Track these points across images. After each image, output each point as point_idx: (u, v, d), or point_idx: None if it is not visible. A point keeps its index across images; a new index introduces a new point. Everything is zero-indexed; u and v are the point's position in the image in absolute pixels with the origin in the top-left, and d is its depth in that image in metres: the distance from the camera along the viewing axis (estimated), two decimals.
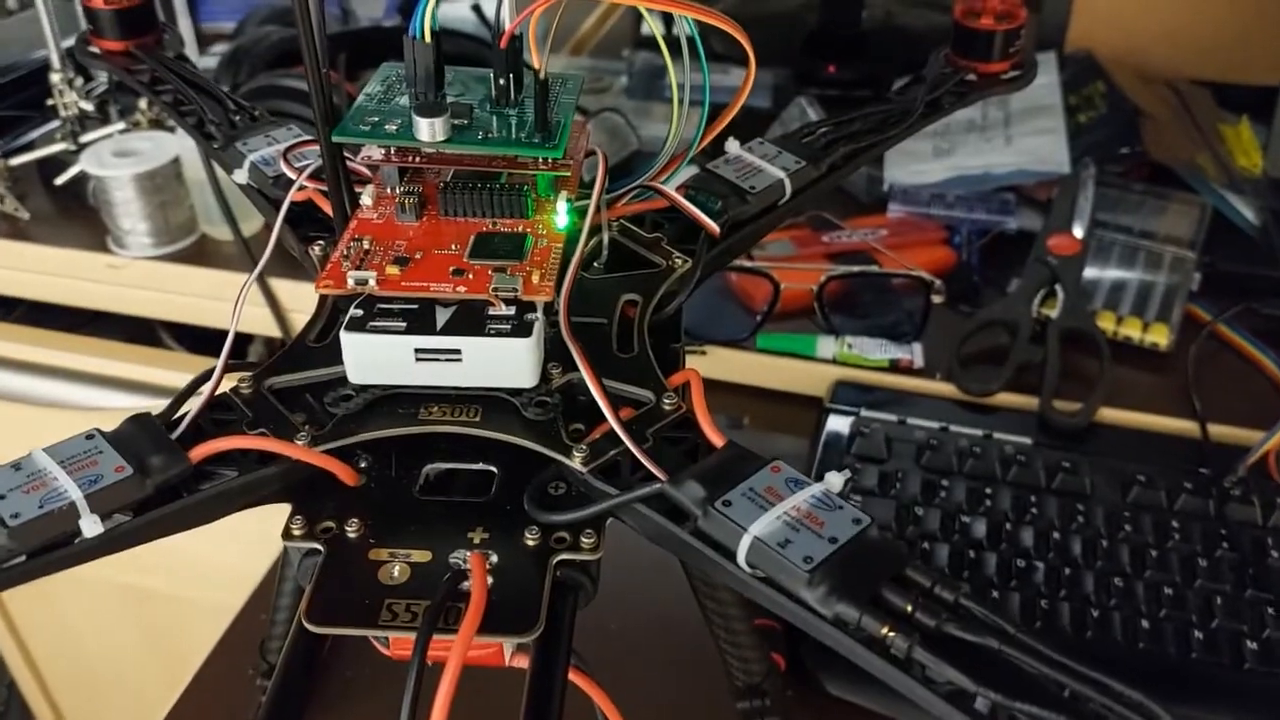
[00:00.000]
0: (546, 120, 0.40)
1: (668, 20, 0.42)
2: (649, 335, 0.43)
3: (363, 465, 0.39)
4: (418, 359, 0.37)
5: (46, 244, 0.92)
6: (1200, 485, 0.66)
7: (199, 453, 0.36)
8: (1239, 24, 1.04)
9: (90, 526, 0.33)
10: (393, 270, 0.38)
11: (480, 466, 0.40)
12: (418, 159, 0.42)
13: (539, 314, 0.38)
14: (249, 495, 0.37)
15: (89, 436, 0.35)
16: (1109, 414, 0.73)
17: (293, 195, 0.45)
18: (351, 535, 0.37)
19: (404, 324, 0.38)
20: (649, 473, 0.36)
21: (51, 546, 0.33)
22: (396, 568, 0.36)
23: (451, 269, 0.39)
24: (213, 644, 0.63)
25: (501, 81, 0.41)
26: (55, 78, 0.94)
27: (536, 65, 0.39)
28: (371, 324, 0.37)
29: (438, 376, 0.38)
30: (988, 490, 0.66)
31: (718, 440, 0.37)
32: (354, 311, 0.38)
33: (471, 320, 0.38)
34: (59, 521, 0.33)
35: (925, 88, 0.55)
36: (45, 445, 0.35)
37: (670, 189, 0.48)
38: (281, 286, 0.86)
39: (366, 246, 0.40)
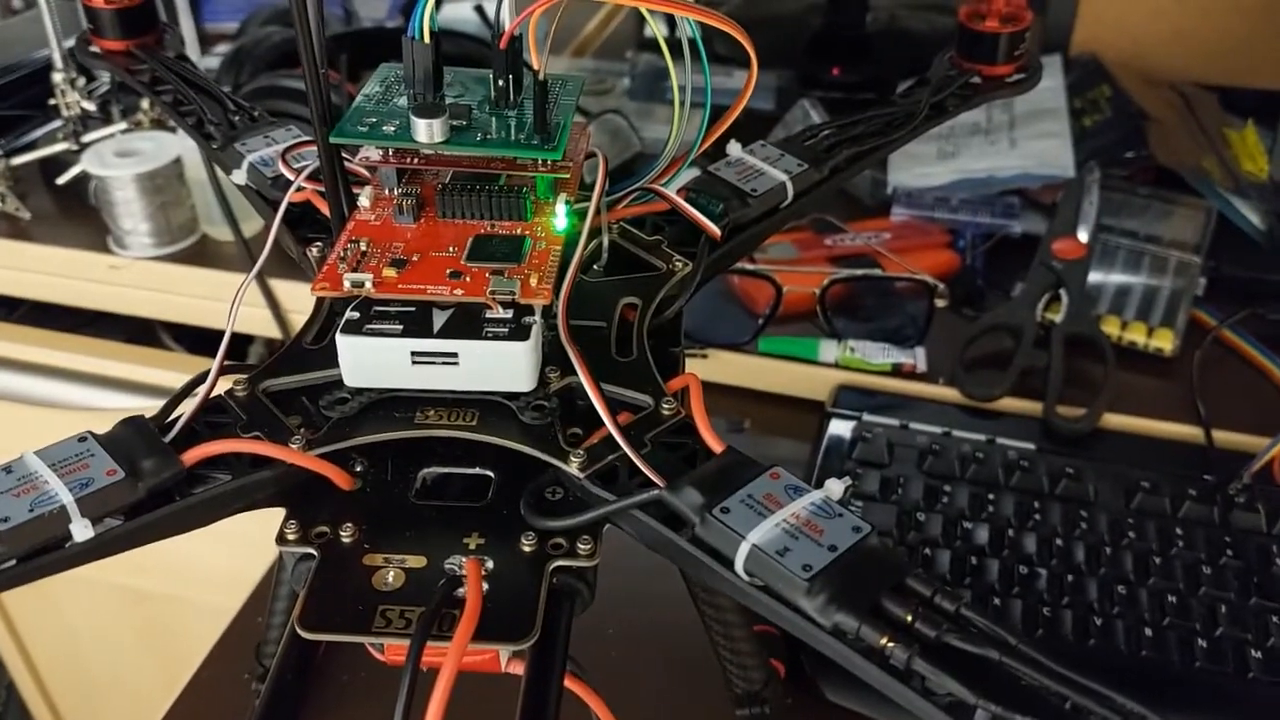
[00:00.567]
0: (546, 122, 0.40)
1: (670, 22, 0.42)
2: (649, 339, 0.43)
3: (358, 469, 0.39)
4: (414, 362, 0.37)
5: (48, 244, 0.92)
6: (1205, 492, 0.65)
7: (192, 456, 0.35)
8: (1245, 27, 1.03)
9: (81, 531, 0.33)
10: (389, 272, 0.38)
11: (477, 471, 0.39)
12: (416, 160, 0.42)
13: (537, 317, 0.38)
14: (242, 499, 0.36)
15: (81, 439, 0.35)
16: (1113, 420, 0.72)
17: (290, 196, 0.44)
18: (346, 540, 0.36)
19: (400, 327, 0.37)
20: (647, 478, 0.36)
21: (42, 551, 0.32)
22: (391, 573, 0.36)
23: (449, 271, 0.38)
24: (210, 646, 0.63)
25: (501, 82, 0.40)
26: (58, 77, 0.94)
27: (536, 66, 0.39)
28: (367, 327, 0.37)
29: (434, 380, 0.37)
30: (990, 496, 0.65)
31: (717, 446, 0.37)
32: (350, 314, 0.38)
33: (469, 323, 0.37)
34: (49, 525, 0.32)
35: (929, 90, 0.54)
36: (41, 447, 0.35)
37: (671, 191, 0.47)
38: (281, 287, 0.85)
39: (363, 248, 0.39)
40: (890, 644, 0.30)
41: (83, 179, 0.93)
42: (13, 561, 0.32)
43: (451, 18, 1.15)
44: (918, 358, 0.76)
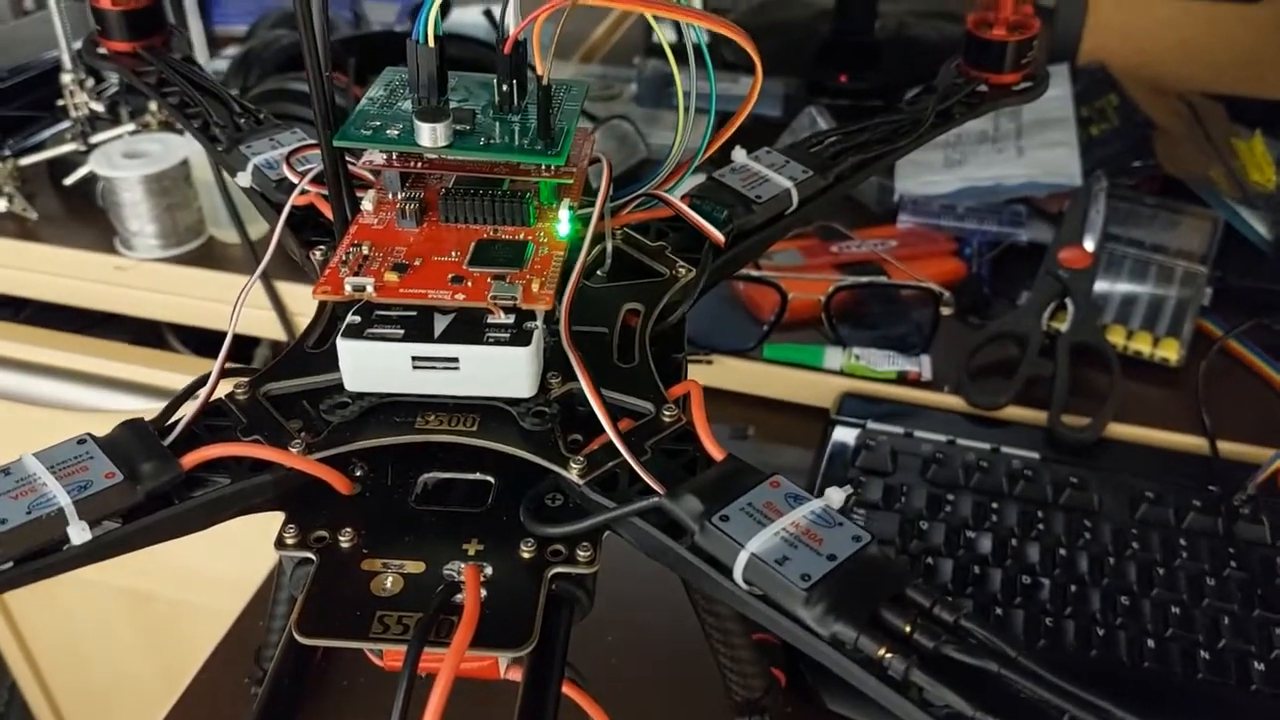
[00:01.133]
0: (549, 127, 0.39)
1: (677, 28, 0.42)
2: (652, 344, 0.43)
3: (358, 474, 0.39)
4: (415, 367, 0.37)
5: (54, 244, 0.92)
6: (1209, 503, 0.65)
7: (191, 459, 0.35)
8: (1253, 37, 1.03)
9: (78, 534, 0.33)
10: (391, 277, 0.38)
11: (477, 476, 0.39)
12: (420, 164, 0.42)
13: (538, 323, 0.38)
14: (241, 503, 0.36)
15: (80, 441, 0.35)
16: (1118, 429, 0.72)
17: (294, 199, 0.44)
18: (344, 545, 0.36)
19: (401, 331, 0.37)
20: (647, 486, 0.35)
21: (39, 553, 0.32)
22: (389, 579, 0.36)
23: (450, 276, 0.38)
24: (212, 649, 0.63)
25: (505, 87, 0.40)
26: (66, 78, 0.94)
27: (540, 72, 0.39)
28: (369, 331, 0.37)
29: (435, 385, 0.37)
30: (994, 505, 0.65)
31: (717, 453, 0.37)
32: (351, 318, 0.38)
33: (470, 328, 0.37)
34: (47, 528, 0.32)
35: (936, 98, 0.54)
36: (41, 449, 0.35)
37: (676, 197, 0.47)
38: (287, 289, 0.85)
39: (365, 252, 0.39)
40: (888, 655, 0.30)
41: (90, 180, 0.93)
42: (10, 564, 0.32)
43: (462, 22, 1.16)
44: (923, 365, 0.76)
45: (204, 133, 0.52)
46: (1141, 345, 0.77)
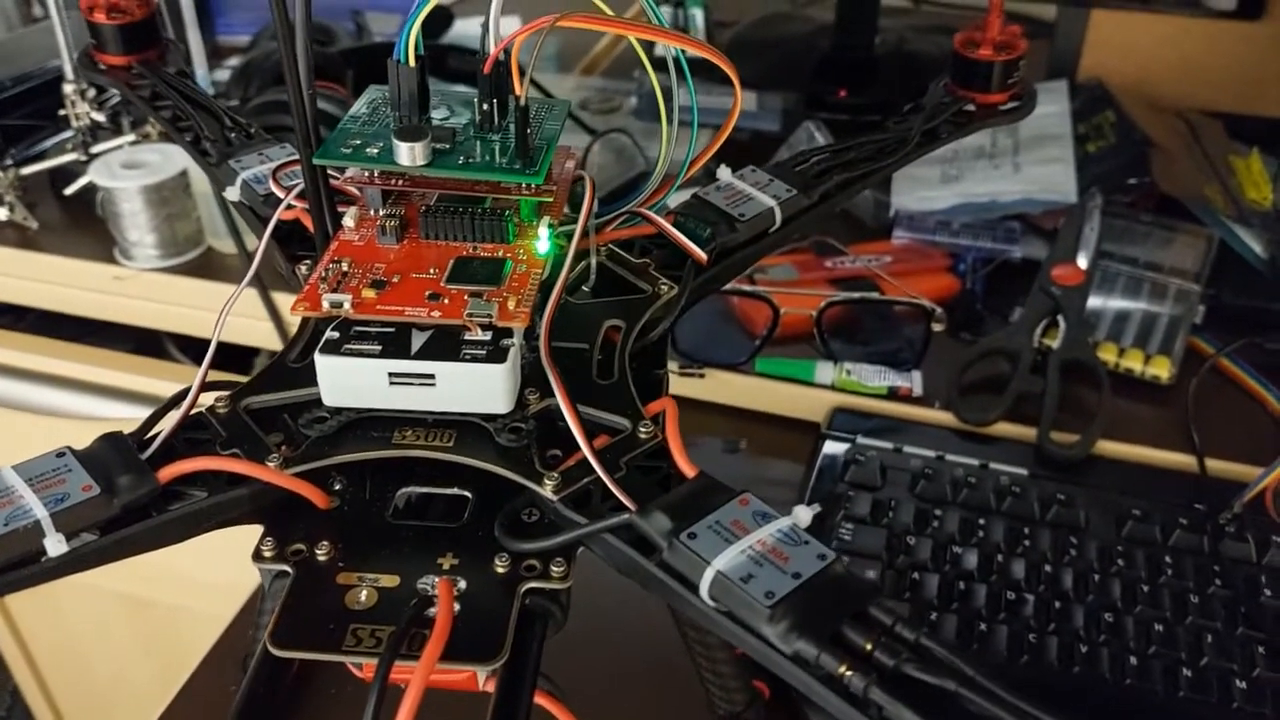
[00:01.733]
0: (527, 146, 0.40)
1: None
2: (635, 361, 0.43)
3: (337, 488, 0.39)
4: (392, 383, 0.38)
5: (55, 253, 0.93)
6: (1195, 521, 0.65)
7: (167, 473, 0.36)
8: (1252, 55, 1.03)
9: (55, 545, 0.33)
10: (369, 293, 0.38)
11: (454, 492, 0.40)
12: (401, 182, 0.42)
13: (515, 340, 0.38)
14: (219, 516, 0.37)
15: (59, 454, 0.35)
16: (1107, 446, 0.72)
17: (280, 214, 0.45)
18: (321, 558, 0.37)
19: (379, 347, 0.38)
20: (619, 502, 0.36)
21: (16, 564, 0.33)
22: (364, 592, 0.36)
23: (428, 293, 0.39)
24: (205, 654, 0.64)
25: (485, 106, 0.41)
26: (68, 88, 0.95)
27: (518, 92, 0.39)
28: (346, 347, 0.38)
29: (412, 401, 0.38)
30: (981, 521, 0.65)
31: (689, 470, 0.37)
32: (329, 334, 0.38)
33: (447, 345, 0.38)
34: (23, 540, 0.33)
35: (922, 117, 0.55)
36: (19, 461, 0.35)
37: (661, 214, 0.48)
38: (285, 300, 0.86)
39: (345, 268, 0.40)
40: (848, 672, 0.30)
41: (90, 190, 0.94)
42: None
43: (461, 34, 1.16)
44: (914, 381, 0.76)
45: (195, 146, 0.53)
46: (1133, 363, 0.78)
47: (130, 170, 0.88)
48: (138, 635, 1.08)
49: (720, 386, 0.79)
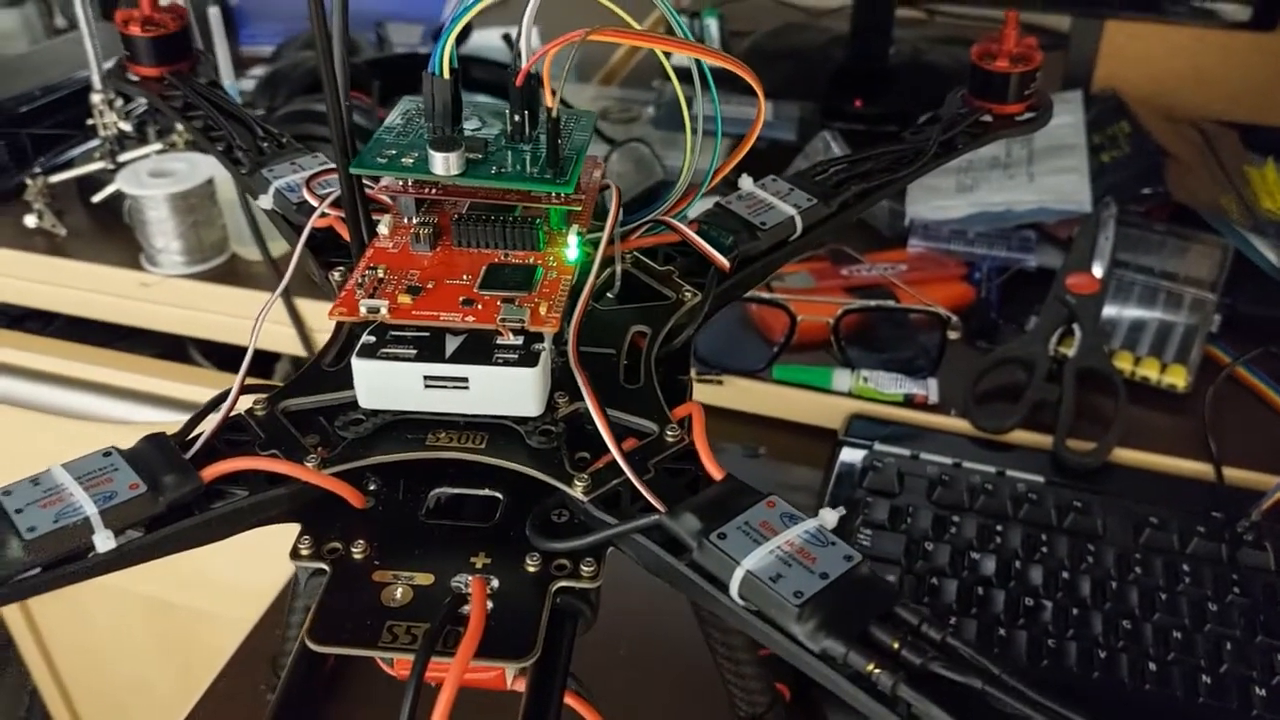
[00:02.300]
0: (558, 157, 0.41)
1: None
2: (659, 366, 0.44)
3: (371, 488, 0.40)
4: (426, 386, 0.38)
5: (82, 260, 0.95)
6: (1213, 529, 0.66)
7: (210, 472, 0.37)
8: (1267, 65, 1.04)
9: (103, 542, 0.34)
10: (404, 299, 0.39)
11: (486, 492, 0.41)
12: (434, 190, 0.43)
13: (546, 344, 0.39)
14: (258, 515, 0.38)
15: (106, 454, 0.36)
16: (1124, 454, 0.73)
17: (314, 222, 0.46)
18: (357, 557, 0.38)
19: (414, 352, 0.39)
20: (648, 503, 0.37)
21: (65, 560, 0.34)
22: (399, 590, 0.37)
23: (461, 299, 0.40)
24: (230, 656, 0.64)
25: (517, 118, 0.42)
26: (96, 98, 0.97)
27: (550, 104, 0.40)
28: (382, 351, 0.38)
29: (445, 403, 0.39)
30: (998, 528, 0.66)
31: (717, 473, 0.38)
32: (366, 338, 0.39)
33: (480, 349, 0.39)
34: (73, 536, 0.34)
35: (939, 128, 0.55)
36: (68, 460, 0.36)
37: (684, 222, 0.49)
38: (307, 306, 0.87)
39: (380, 275, 0.41)
40: (876, 670, 0.31)
41: (117, 198, 0.95)
42: (37, 570, 0.34)
43: (480, 45, 1.17)
44: (930, 389, 0.77)
45: (227, 156, 0.54)
46: (1149, 371, 0.78)
47: (157, 178, 0.90)
48: (157, 638, 1.09)
49: (739, 393, 0.79)
